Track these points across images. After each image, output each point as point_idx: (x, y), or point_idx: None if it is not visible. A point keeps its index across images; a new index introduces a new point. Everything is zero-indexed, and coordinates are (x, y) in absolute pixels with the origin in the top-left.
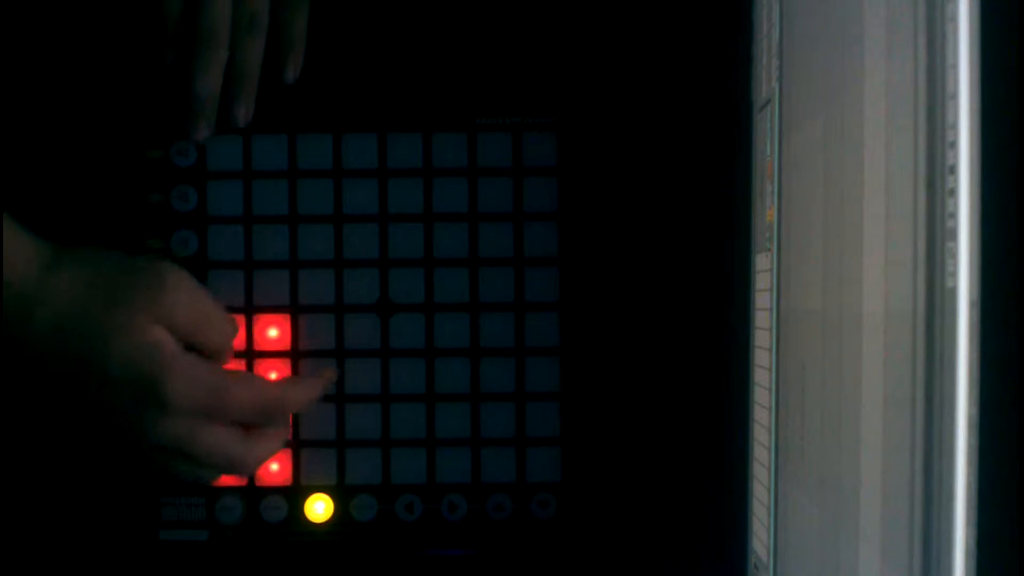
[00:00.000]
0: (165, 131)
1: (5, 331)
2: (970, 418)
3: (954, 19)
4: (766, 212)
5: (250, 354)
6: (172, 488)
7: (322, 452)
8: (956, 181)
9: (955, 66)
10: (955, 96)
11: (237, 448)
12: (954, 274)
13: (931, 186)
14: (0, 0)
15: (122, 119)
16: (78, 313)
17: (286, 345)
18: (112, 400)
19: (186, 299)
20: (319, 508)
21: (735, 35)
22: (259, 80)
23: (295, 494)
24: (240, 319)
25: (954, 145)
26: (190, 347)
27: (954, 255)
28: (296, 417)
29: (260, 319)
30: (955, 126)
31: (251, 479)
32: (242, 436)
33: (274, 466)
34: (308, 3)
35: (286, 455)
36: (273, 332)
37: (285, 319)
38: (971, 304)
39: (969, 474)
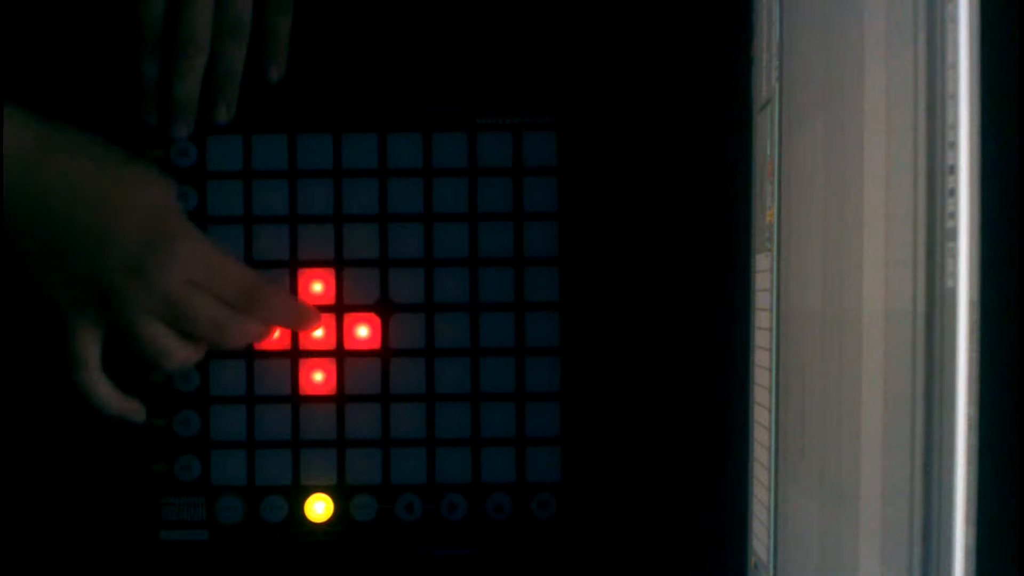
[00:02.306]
0: (165, 131)
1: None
2: (970, 418)
3: (954, 19)
4: (766, 212)
5: (251, 354)
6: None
7: (322, 452)
8: (956, 181)
9: (955, 66)
10: (955, 96)
11: (223, 314)
12: (954, 274)
13: (931, 186)
14: (2, 1)
15: (122, 119)
16: (95, 158)
17: (286, 345)
18: (124, 248)
19: (173, 190)
20: (319, 508)
21: (735, 35)
22: (241, 81)
23: (295, 494)
24: None
25: (954, 145)
26: None
27: (954, 255)
28: (296, 417)
29: None
30: (955, 126)
31: (251, 480)
32: (230, 309)
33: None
34: (291, 6)
35: (286, 454)
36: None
37: None
38: (971, 304)
39: (969, 474)
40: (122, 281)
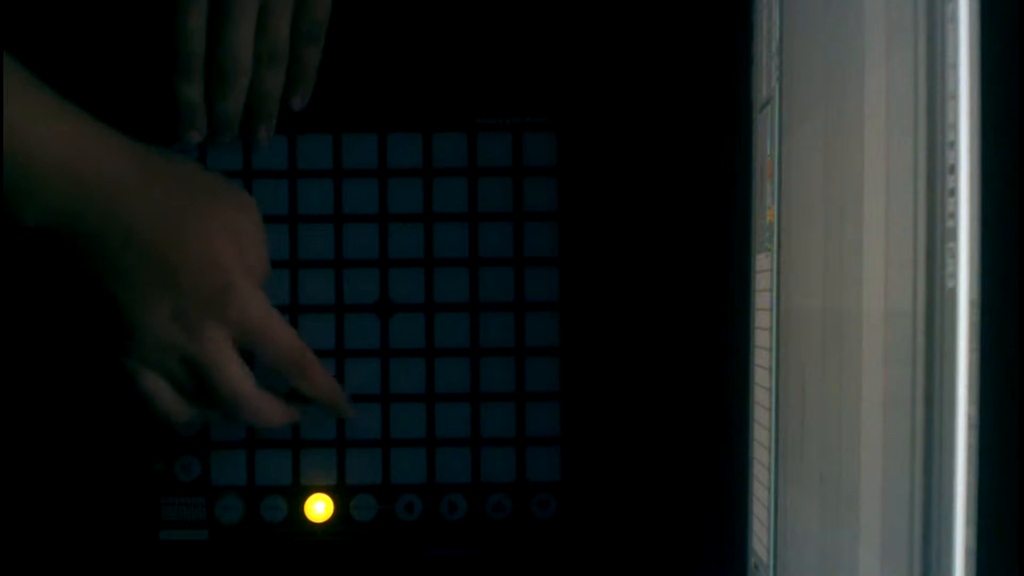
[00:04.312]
0: (165, 132)
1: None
2: (970, 418)
3: (954, 19)
4: (766, 212)
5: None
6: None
7: (322, 452)
8: (956, 181)
9: (955, 66)
10: (955, 96)
11: (248, 387)
12: (954, 274)
13: (931, 186)
14: (4, 3)
15: (122, 119)
16: (171, 206)
17: None
18: (176, 292)
19: (254, 219)
20: (319, 508)
21: (735, 35)
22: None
23: (295, 494)
24: None
25: (954, 145)
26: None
27: (954, 255)
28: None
29: None
30: (955, 126)
31: (251, 480)
32: (255, 387)
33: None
34: (323, 38)
35: (286, 454)
36: None
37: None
38: (971, 304)
39: (969, 474)
40: (163, 322)
